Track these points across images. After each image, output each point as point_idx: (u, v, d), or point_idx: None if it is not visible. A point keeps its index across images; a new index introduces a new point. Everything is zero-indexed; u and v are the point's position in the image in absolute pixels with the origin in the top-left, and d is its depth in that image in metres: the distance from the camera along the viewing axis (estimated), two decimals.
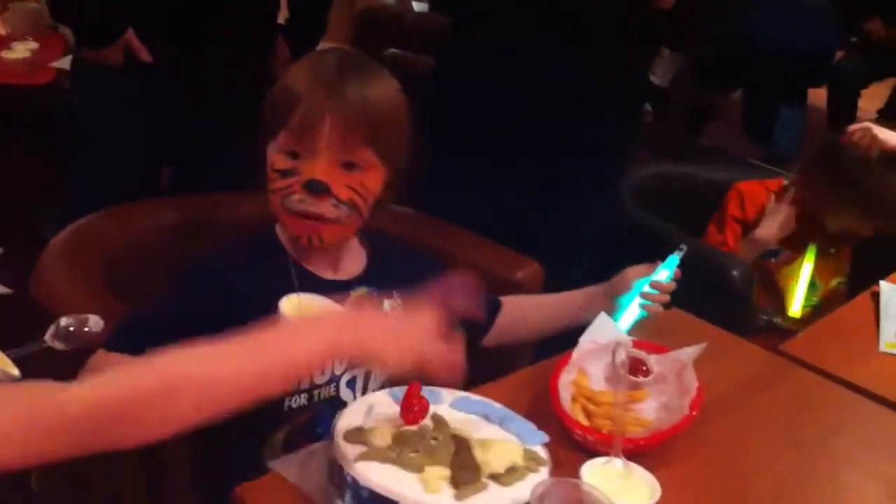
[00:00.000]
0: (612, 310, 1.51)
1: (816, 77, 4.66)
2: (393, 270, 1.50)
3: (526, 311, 1.64)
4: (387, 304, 1.45)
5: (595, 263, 1.74)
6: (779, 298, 2.31)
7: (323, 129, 1.33)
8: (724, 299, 2.08)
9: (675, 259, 1.54)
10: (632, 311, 1.52)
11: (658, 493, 1.14)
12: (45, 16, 3.48)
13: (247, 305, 1.23)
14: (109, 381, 0.92)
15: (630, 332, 1.49)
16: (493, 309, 1.62)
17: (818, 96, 4.90)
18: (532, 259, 1.83)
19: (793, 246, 2.30)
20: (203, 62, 2.20)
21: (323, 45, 2.46)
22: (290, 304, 1.24)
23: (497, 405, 1.25)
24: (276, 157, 1.36)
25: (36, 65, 3.10)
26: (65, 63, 3.00)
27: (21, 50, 3.12)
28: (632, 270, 1.54)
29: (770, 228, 2.26)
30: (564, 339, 1.50)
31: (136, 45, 2.21)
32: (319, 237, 1.39)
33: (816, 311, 2.30)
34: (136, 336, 1.23)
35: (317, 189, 1.34)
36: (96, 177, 2.33)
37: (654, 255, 1.56)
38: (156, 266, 1.63)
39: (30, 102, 3.14)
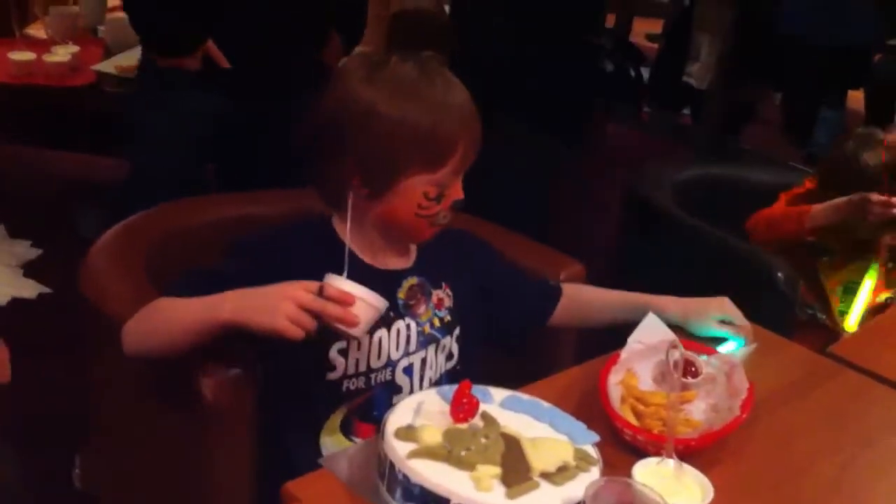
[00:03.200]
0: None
1: (855, 78, 4.62)
2: (443, 259, 1.55)
3: (589, 301, 1.69)
4: (434, 294, 1.52)
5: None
6: (823, 297, 2.28)
7: (474, 156, 1.45)
8: (769, 300, 2.07)
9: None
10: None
11: (711, 493, 1.13)
12: (85, 19, 3.53)
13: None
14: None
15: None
16: (555, 294, 1.68)
17: (858, 100, 4.86)
18: (576, 259, 1.82)
19: (844, 251, 2.28)
20: (270, 62, 2.23)
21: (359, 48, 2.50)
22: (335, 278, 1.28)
23: (546, 404, 1.24)
24: (429, 187, 1.42)
25: (76, 68, 3.13)
26: (106, 66, 3.04)
27: (62, 53, 3.15)
28: (713, 304, 1.59)
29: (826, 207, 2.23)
30: (607, 339, 1.49)
31: (215, 52, 2.26)
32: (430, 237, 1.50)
33: (862, 321, 2.27)
34: (189, 287, 1.36)
35: (461, 207, 1.47)
36: (149, 176, 2.35)
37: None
38: (197, 260, 1.64)
39: (69, 105, 3.17)
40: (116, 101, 3.00)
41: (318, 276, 1.30)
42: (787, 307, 2.13)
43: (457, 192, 1.46)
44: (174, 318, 1.34)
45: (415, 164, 1.40)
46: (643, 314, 1.51)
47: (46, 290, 2.95)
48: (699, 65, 4.34)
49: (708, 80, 4.30)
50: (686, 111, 4.78)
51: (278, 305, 1.24)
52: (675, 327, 1.52)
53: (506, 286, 1.66)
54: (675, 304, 1.58)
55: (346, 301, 1.25)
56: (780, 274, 2.11)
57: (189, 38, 2.26)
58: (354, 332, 1.29)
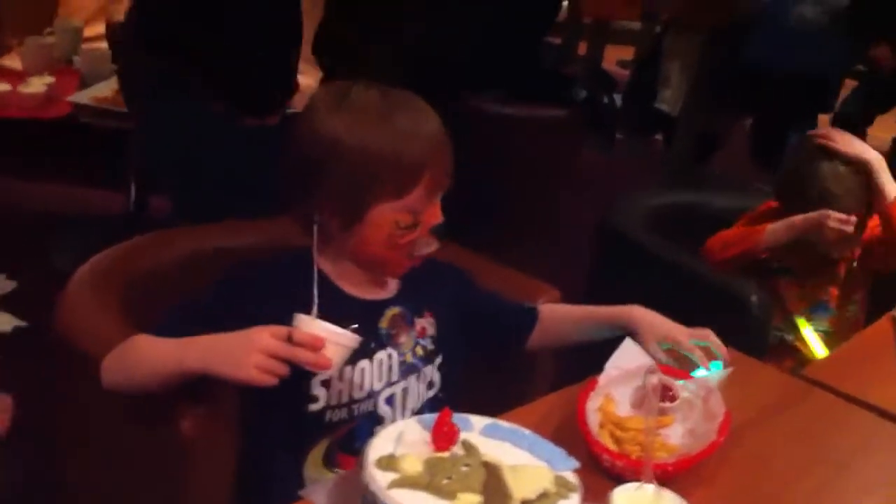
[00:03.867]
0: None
1: (823, 103, 4.68)
2: (424, 288, 1.56)
3: (560, 317, 1.70)
4: (417, 324, 1.53)
5: None
6: (789, 319, 2.30)
7: (446, 180, 1.44)
8: (743, 325, 2.09)
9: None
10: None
11: None
12: (60, 50, 3.52)
13: (275, 322, 1.28)
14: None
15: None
16: (531, 317, 1.68)
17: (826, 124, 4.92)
18: (553, 287, 1.84)
19: (804, 270, 2.30)
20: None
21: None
22: (305, 317, 1.26)
23: (526, 431, 1.26)
24: (400, 215, 1.42)
25: (52, 99, 3.12)
26: (82, 98, 3.04)
27: (37, 84, 3.15)
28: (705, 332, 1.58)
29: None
30: (585, 364, 1.51)
31: None
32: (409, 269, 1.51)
33: (829, 336, 2.29)
34: (172, 326, 1.35)
35: (441, 232, 1.46)
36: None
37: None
38: (175, 294, 1.64)
39: (45, 136, 3.17)
40: (92, 133, 3.01)
41: (300, 310, 1.28)
42: (761, 331, 2.15)
43: (434, 217, 1.45)
44: (145, 360, 1.33)
45: (381, 192, 1.40)
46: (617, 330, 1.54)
47: (22, 323, 2.93)
48: (670, 91, 4.39)
49: (679, 106, 4.35)
50: (658, 136, 4.83)
51: (247, 357, 1.21)
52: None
53: (484, 310, 1.67)
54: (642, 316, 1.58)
55: (316, 345, 1.23)
56: (753, 297, 2.13)
57: (279, 94, 2.32)
58: (328, 372, 1.29)
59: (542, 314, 1.70)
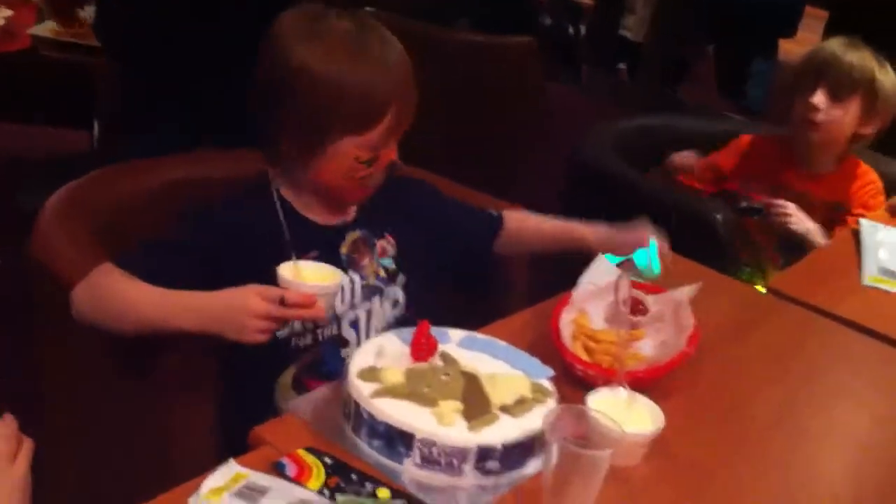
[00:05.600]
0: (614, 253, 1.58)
1: (785, 29, 4.68)
2: (384, 209, 1.56)
3: (530, 228, 1.74)
4: (378, 245, 1.54)
5: None
6: (757, 257, 2.34)
7: (409, 119, 1.44)
8: (710, 245, 2.12)
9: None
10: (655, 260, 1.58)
11: (662, 420, 1.18)
12: None
13: (250, 251, 1.38)
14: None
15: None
16: (496, 223, 1.72)
17: (789, 52, 4.94)
18: (515, 203, 1.86)
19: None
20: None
21: None
22: (288, 269, 1.30)
23: (502, 343, 1.29)
24: (360, 150, 1.42)
25: (11, 32, 3.04)
26: (41, 30, 2.97)
27: None
28: (647, 228, 1.61)
29: None
30: (559, 281, 1.53)
31: None
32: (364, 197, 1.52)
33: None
34: (146, 263, 1.36)
35: (396, 168, 1.47)
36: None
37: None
38: (146, 224, 1.64)
39: (5, 72, 3.10)
40: (54, 67, 2.95)
41: (267, 241, 1.36)
42: (728, 248, 2.19)
43: (390, 155, 1.46)
44: (127, 302, 1.33)
45: (344, 125, 1.39)
46: (572, 244, 1.61)
47: None
48: (635, 17, 4.38)
49: (643, 33, 4.35)
50: (622, 66, 4.83)
51: (245, 323, 1.26)
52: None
53: (448, 218, 1.68)
54: (594, 235, 1.64)
55: (308, 303, 1.27)
56: (718, 216, 2.17)
57: None
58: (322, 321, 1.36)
59: (509, 221, 1.72)
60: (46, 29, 2.97)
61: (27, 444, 1.05)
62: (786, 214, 2.24)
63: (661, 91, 4.35)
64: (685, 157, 2.57)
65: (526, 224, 1.74)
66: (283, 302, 1.25)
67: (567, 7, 4.94)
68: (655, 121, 2.79)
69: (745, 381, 1.44)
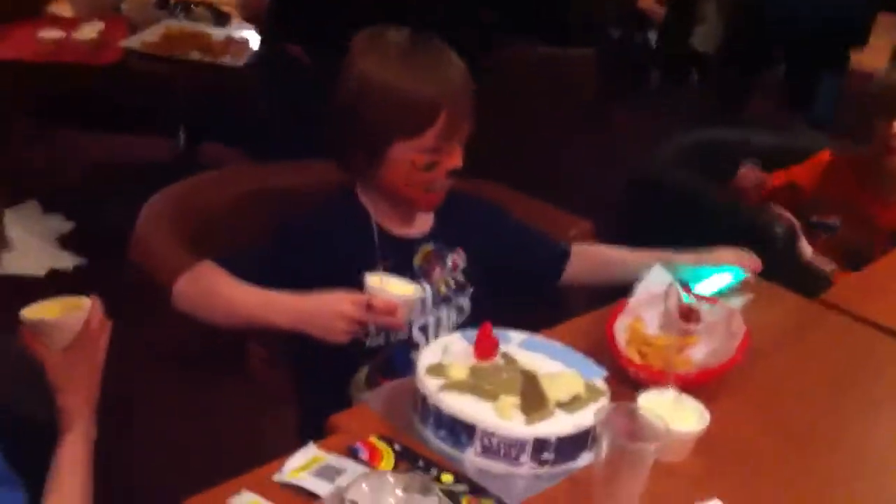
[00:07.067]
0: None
1: (856, 37, 4.60)
2: (456, 224, 1.66)
3: (601, 262, 1.77)
4: (450, 258, 1.64)
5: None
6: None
7: (465, 125, 1.51)
8: (770, 256, 2.17)
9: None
10: (718, 280, 1.66)
11: (707, 419, 1.26)
12: None
13: (334, 259, 1.51)
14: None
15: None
16: (562, 255, 1.75)
17: (859, 62, 4.88)
18: (584, 218, 1.94)
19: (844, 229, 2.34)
20: None
21: None
22: (374, 279, 1.41)
23: (559, 345, 1.38)
24: (417, 156, 1.51)
25: (103, 45, 3.15)
26: (131, 43, 3.10)
27: (89, 30, 3.18)
28: (726, 253, 1.71)
29: None
30: (616, 289, 1.61)
31: None
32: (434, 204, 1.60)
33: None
34: (243, 269, 1.47)
35: (458, 174, 1.55)
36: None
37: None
38: (238, 229, 1.76)
39: (97, 83, 3.22)
40: (143, 79, 3.09)
41: (356, 253, 1.48)
42: (786, 261, 2.24)
43: (452, 161, 1.53)
44: (233, 302, 1.44)
45: (398, 130, 1.48)
46: None
47: (82, 261, 3.06)
48: (705, 28, 4.38)
49: (714, 45, 4.35)
50: (692, 77, 4.83)
51: (333, 324, 1.38)
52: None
53: (518, 245, 1.74)
54: (689, 258, 1.68)
55: (391, 310, 1.38)
56: (777, 229, 2.22)
57: None
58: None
59: (575, 253, 1.75)
60: (137, 41, 3.11)
61: (108, 327, 1.19)
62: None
63: (730, 103, 4.36)
64: (752, 171, 2.57)
65: (596, 255, 1.77)
66: (368, 308, 1.37)
67: (635, 18, 4.98)
68: (726, 134, 2.81)
69: (791, 389, 1.50)
